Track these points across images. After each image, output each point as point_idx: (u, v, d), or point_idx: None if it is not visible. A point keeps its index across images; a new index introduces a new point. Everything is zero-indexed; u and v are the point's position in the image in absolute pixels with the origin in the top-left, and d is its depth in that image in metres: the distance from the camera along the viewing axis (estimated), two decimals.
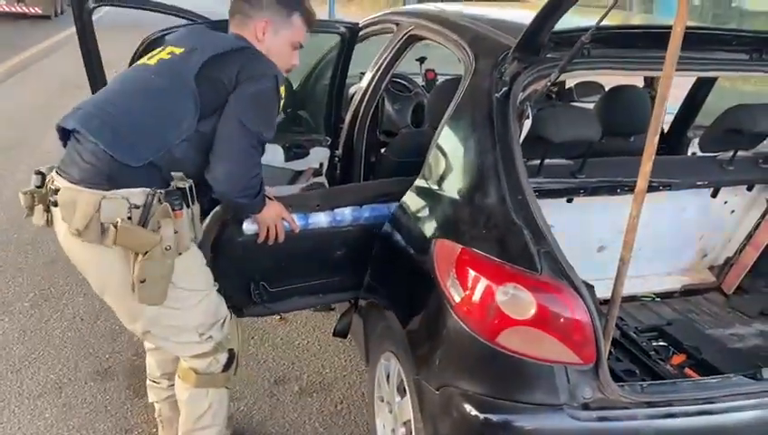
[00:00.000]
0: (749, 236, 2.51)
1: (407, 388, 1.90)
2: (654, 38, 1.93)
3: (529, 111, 1.84)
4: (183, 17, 2.70)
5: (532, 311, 1.54)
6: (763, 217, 2.47)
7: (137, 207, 1.69)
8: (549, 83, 1.76)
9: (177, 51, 1.89)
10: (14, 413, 2.48)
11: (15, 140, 5.94)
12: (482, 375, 1.61)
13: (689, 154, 2.95)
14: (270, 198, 1.96)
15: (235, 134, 1.79)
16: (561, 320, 1.54)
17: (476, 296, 1.59)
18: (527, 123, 1.85)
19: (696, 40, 1.98)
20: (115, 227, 1.67)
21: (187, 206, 1.76)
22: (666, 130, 3.12)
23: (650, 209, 2.14)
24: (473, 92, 1.92)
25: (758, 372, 1.70)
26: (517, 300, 1.55)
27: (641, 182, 1.53)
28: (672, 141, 3.05)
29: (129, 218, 1.68)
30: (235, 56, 1.84)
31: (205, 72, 1.79)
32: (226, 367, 2.01)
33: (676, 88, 1.55)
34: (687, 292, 2.58)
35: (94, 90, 2.58)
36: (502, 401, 1.56)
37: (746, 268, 2.52)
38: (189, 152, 1.80)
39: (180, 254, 1.76)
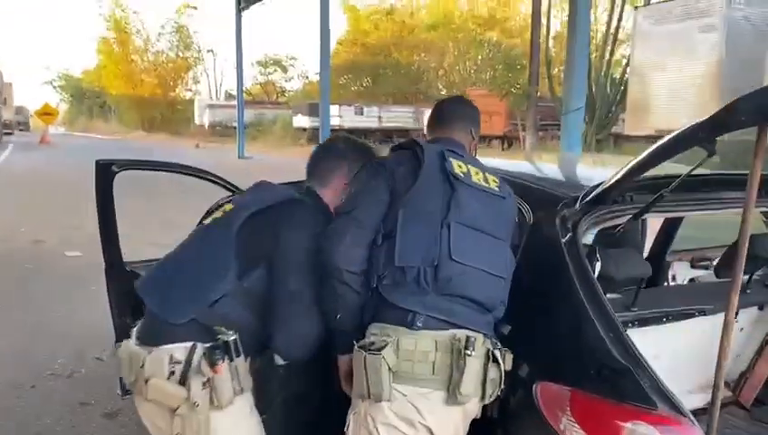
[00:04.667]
0: (760, 351, 2.74)
1: None
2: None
3: (597, 253, 2.01)
4: (195, 176, 2.89)
5: None
6: None
7: (178, 362, 1.69)
8: (621, 229, 1.95)
9: (229, 208, 1.97)
10: None
11: None
12: None
13: (670, 277, 3.24)
14: None
15: None
16: None
17: None
18: (597, 265, 2.01)
19: (716, 182, 2.28)
20: (146, 382, 1.69)
21: (230, 359, 1.72)
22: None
23: (679, 334, 2.34)
24: (537, 240, 2.06)
25: None
26: None
27: (729, 314, 1.71)
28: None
29: (173, 373, 1.68)
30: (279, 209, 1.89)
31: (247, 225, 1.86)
32: None
33: None
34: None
35: (105, 245, 2.69)
36: None
37: (761, 381, 2.72)
38: (235, 307, 1.80)
39: (222, 408, 1.71)
